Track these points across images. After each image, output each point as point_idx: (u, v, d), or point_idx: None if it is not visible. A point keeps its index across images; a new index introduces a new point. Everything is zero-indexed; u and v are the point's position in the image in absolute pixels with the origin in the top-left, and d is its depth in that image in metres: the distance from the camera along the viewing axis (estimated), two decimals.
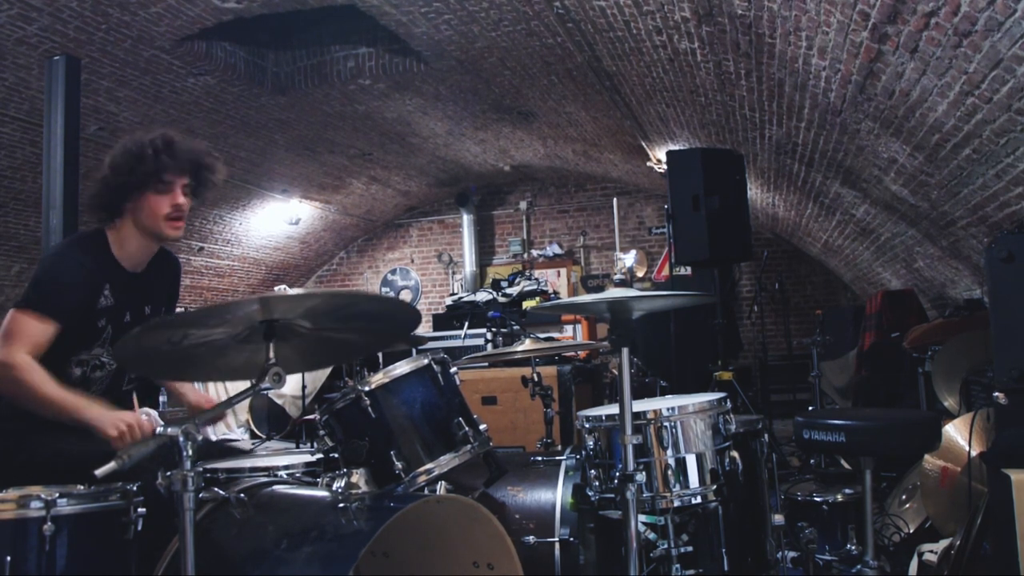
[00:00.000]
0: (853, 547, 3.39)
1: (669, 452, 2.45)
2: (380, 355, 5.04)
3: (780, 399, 7.56)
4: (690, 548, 2.55)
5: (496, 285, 9.50)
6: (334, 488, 2.02)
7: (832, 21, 3.38)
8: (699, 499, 2.46)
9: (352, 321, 1.81)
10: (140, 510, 1.83)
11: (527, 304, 8.79)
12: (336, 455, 2.24)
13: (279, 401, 7.95)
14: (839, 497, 3.47)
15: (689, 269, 7.72)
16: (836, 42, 3.55)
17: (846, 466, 4.39)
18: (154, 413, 3.07)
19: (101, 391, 2.32)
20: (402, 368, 2.30)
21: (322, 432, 2.29)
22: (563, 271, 10.41)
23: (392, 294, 11.23)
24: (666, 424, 2.45)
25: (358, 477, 2.10)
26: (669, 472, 2.45)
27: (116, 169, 2.26)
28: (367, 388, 2.23)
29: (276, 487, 2.09)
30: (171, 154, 2.26)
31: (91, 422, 2.02)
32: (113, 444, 1.98)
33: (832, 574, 3.38)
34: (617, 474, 2.21)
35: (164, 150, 2.25)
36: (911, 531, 3.45)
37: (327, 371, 7.89)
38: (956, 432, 3.22)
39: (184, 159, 2.28)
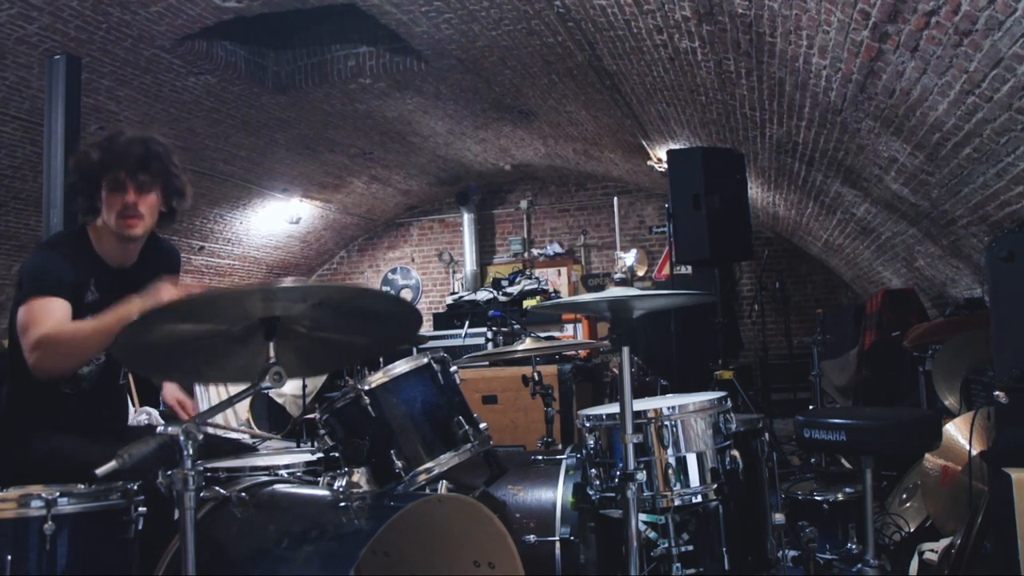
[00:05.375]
0: (854, 546, 3.40)
1: (670, 451, 2.45)
2: None
3: (781, 398, 7.56)
4: (691, 547, 2.55)
5: (497, 284, 9.51)
6: (335, 487, 2.02)
7: (833, 20, 3.38)
8: (700, 498, 2.46)
9: (353, 320, 1.81)
10: (141, 509, 1.83)
11: (528, 303, 8.80)
12: (336, 454, 2.24)
13: (279, 400, 7.95)
14: (840, 496, 3.47)
15: (690, 268, 7.72)
16: (837, 41, 3.55)
17: (847, 465, 4.38)
18: (154, 412, 3.08)
19: (91, 386, 2.31)
20: (402, 367, 2.30)
21: (322, 431, 2.29)
22: (564, 270, 10.41)
23: (393, 293, 11.23)
24: (667, 423, 2.46)
25: (359, 476, 2.10)
26: (670, 471, 2.45)
27: (75, 164, 2.28)
28: (367, 387, 2.23)
29: (277, 486, 2.09)
30: (110, 149, 2.21)
31: (146, 307, 1.94)
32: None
33: (833, 573, 3.38)
34: (618, 473, 2.22)
35: (104, 145, 2.22)
36: (912, 530, 3.45)
37: None
38: (957, 431, 3.22)
39: (121, 153, 2.21)
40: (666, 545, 2.51)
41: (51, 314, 2.10)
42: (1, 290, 7.48)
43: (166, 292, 2.01)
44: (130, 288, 2.35)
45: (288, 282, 1.58)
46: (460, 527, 2.02)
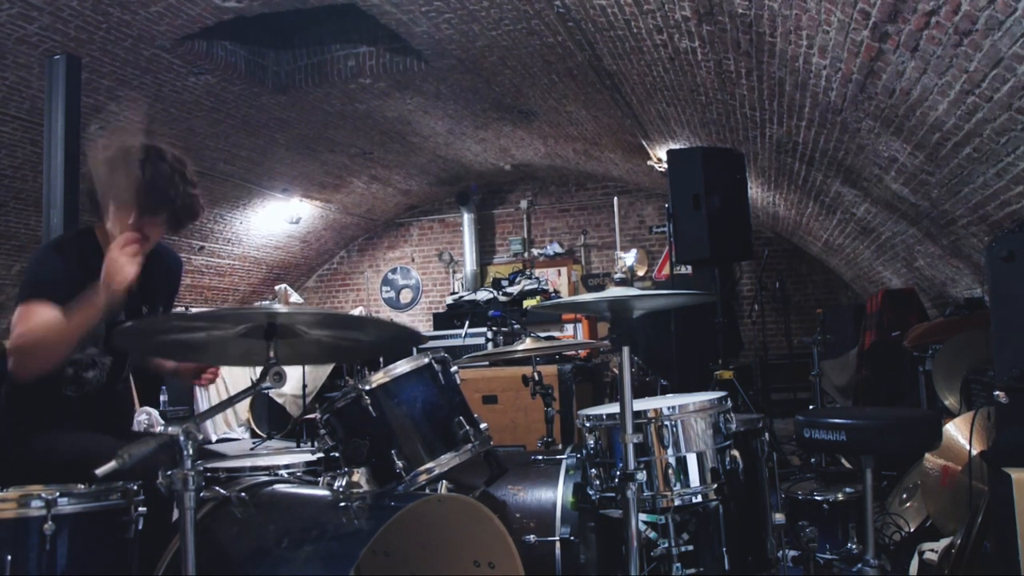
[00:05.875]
0: (854, 546, 3.39)
1: (670, 451, 2.45)
2: None
3: (781, 398, 7.56)
4: (691, 547, 2.55)
5: (497, 284, 9.53)
6: (335, 487, 2.02)
7: (833, 20, 3.38)
8: (700, 498, 2.46)
9: (353, 333, 1.82)
10: (141, 509, 1.83)
11: (528, 303, 8.82)
12: (337, 454, 2.24)
13: (280, 400, 7.95)
14: (840, 496, 3.47)
15: (690, 268, 7.72)
16: (837, 41, 3.54)
17: (847, 465, 4.38)
18: (154, 412, 3.08)
19: (95, 390, 2.31)
20: (403, 367, 2.30)
21: (323, 431, 2.29)
22: (564, 270, 10.41)
23: (393, 293, 11.24)
24: (667, 423, 2.45)
25: (359, 476, 2.10)
26: (670, 471, 2.45)
27: (91, 171, 2.23)
28: (368, 387, 2.23)
29: (277, 486, 2.09)
30: (122, 168, 2.13)
31: (107, 296, 1.98)
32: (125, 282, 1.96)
33: (833, 573, 3.38)
34: (618, 473, 2.21)
35: (116, 164, 2.14)
36: (912, 530, 3.45)
37: (328, 370, 7.90)
38: (957, 431, 3.22)
39: (131, 176, 2.13)
40: (666, 545, 2.50)
41: (39, 315, 2.08)
42: (1, 290, 7.48)
43: (114, 260, 1.97)
44: (138, 292, 2.35)
45: (288, 309, 1.57)
46: (460, 527, 2.02)
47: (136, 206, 2.18)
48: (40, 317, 2.08)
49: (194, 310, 8.13)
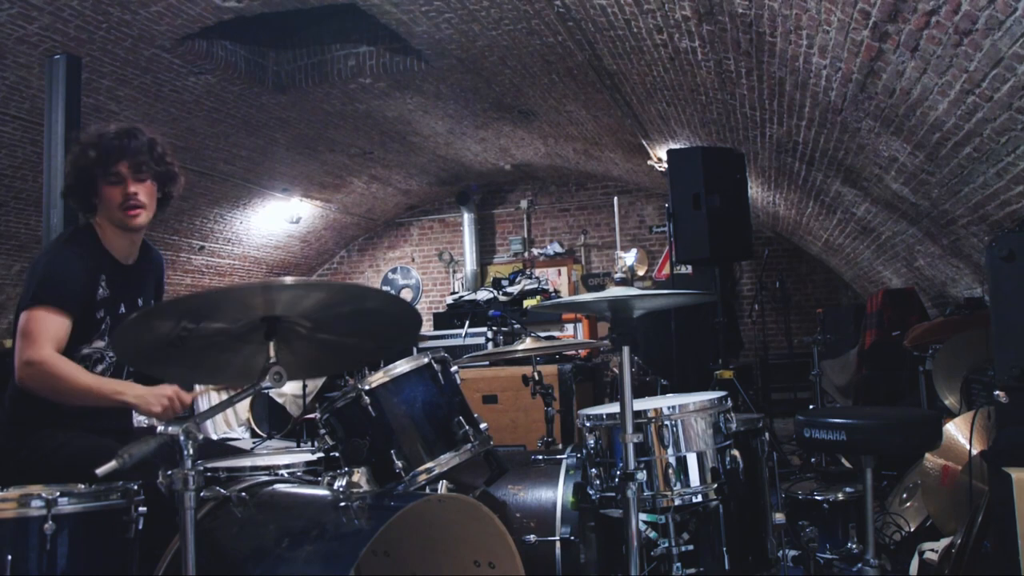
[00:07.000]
0: (854, 546, 3.39)
1: (670, 451, 2.45)
2: None
3: (781, 398, 7.56)
4: (691, 547, 2.55)
5: (497, 284, 9.51)
6: (335, 487, 2.02)
7: (833, 20, 3.38)
8: (700, 498, 2.46)
9: (353, 321, 1.81)
10: (141, 509, 1.83)
11: (528, 303, 8.80)
12: (337, 454, 2.24)
13: (280, 400, 7.95)
14: (840, 496, 3.47)
15: (690, 268, 7.72)
16: (837, 41, 3.54)
17: (847, 465, 4.39)
18: None
19: None
20: (402, 367, 2.30)
21: (323, 431, 2.29)
22: (564, 270, 10.41)
23: (393, 292, 11.23)
24: (667, 423, 2.46)
25: (359, 476, 2.10)
26: (670, 471, 2.45)
27: (71, 165, 2.32)
28: (367, 387, 2.23)
29: (277, 486, 2.09)
30: (103, 144, 2.26)
31: (132, 402, 2.09)
32: (159, 419, 2.08)
33: (833, 573, 3.38)
34: (618, 473, 2.22)
35: (97, 142, 2.27)
36: (912, 530, 3.45)
37: None
38: (957, 431, 3.22)
39: (115, 146, 2.26)
40: (666, 545, 2.51)
41: (52, 333, 2.13)
42: (1, 290, 7.48)
43: (157, 400, 2.09)
44: (135, 283, 2.38)
45: (290, 280, 1.58)
46: (460, 527, 2.02)
47: (130, 174, 2.28)
48: (59, 332, 2.15)
49: None
